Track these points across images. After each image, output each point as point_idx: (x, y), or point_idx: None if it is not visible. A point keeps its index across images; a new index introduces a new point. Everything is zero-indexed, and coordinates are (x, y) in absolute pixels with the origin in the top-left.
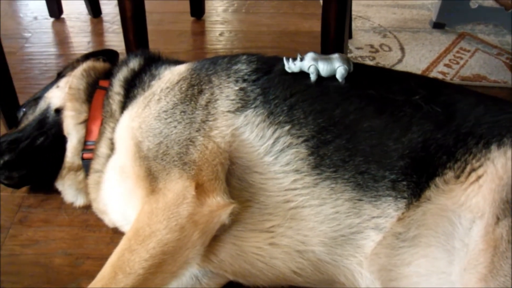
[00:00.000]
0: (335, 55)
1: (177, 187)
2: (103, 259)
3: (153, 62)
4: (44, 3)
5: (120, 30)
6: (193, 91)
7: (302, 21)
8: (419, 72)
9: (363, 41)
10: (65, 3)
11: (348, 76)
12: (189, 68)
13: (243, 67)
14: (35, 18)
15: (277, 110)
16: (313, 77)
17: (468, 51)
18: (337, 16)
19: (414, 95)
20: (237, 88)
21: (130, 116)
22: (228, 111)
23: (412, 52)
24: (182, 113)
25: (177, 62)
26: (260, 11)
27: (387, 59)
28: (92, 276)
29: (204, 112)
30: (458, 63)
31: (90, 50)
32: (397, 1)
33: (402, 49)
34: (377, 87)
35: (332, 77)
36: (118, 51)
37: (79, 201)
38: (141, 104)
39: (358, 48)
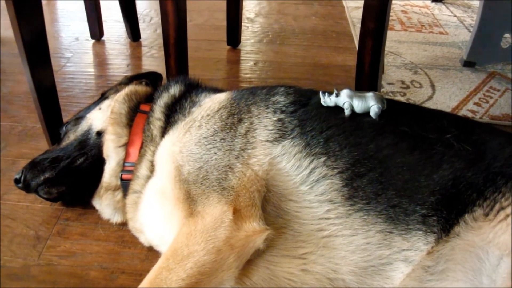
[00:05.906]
0: (370, 94)
1: (215, 211)
2: (137, 274)
3: (193, 89)
4: (84, 24)
5: (158, 54)
6: (233, 120)
7: (335, 54)
8: (449, 109)
9: (394, 76)
10: (105, 25)
11: (382, 112)
12: (229, 97)
13: (281, 99)
14: (77, 39)
15: (314, 141)
16: (347, 112)
17: (498, 90)
18: (372, 51)
19: (446, 133)
20: (275, 118)
21: (171, 141)
22: (267, 141)
23: (442, 89)
24: (222, 140)
25: (216, 90)
26: (294, 43)
27: (417, 96)
28: None
29: (243, 140)
30: (487, 102)
31: (129, 73)
32: (428, 38)
33: (432, 86)
34: (410, 124)
35: (367, 113)
36: None
37: (116, 219)
38: (182, 129)
39: (389, 84)
